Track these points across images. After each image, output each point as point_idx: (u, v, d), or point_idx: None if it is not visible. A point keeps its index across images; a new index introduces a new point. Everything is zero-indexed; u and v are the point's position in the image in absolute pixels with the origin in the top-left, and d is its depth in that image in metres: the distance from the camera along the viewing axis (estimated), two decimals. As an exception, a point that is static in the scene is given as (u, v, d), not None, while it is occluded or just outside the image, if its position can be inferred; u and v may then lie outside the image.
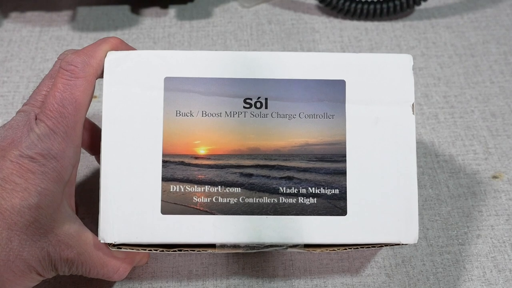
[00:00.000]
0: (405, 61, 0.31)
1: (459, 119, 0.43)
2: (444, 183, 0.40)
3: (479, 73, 0.47)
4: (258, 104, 0.30)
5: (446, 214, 0.38)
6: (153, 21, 0.51)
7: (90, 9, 0.52)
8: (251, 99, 0.30)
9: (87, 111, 0.30)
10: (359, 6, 0.50)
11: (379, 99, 0.30)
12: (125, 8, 0.52)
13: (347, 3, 0.49)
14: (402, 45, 0.49)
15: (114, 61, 0.30)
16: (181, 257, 0.36)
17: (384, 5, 0.50)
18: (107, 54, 0.30)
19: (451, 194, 0.39)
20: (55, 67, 0.31)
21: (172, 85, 0.30)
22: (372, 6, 0.50)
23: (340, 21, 0.51)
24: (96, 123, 0.35)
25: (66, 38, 0.49)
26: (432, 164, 0.41)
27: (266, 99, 0.30)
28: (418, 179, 0.40)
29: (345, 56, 0.31)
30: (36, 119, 0.29)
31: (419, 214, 0.38)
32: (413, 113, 0.30)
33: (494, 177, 0.40)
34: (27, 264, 0.28)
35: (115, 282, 0.35)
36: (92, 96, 0.30)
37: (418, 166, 0.40)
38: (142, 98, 0.30)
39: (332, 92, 0.30)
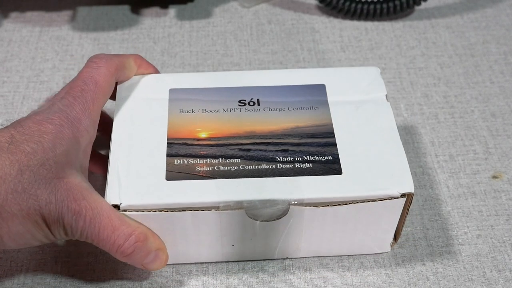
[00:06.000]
0: (374, 71, 0.37)
1: (459, 119, 0.43)
2: (444, 183, 0.39)
3: (479, 73, 0.47)
4: (252, 103, 0.35)
5: (446, 214, 0.38)
6: (153, 21, 0.51)
7: (90, 9, 0.52)
8: (245, 100, 0.35)
9: (107, 97, 0.33)
10: (359, 6, 0.50)
11: (357, 96, 0.36)
12: (125, 8, 0.52)
13: (347, 3, 0.49)
14: (402, 45, 0.49)
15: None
16: (181, 257, 0.36)
17: (384, 5, 0.50)
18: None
19: (451, 194, 0.39)
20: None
21: (176, 94, 0.36)
22: (372, 6, 0.50)
23: (340, 21, 0.51)
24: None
25: (66, 38, 0.49)
26: (432, 164, 0.41)
27: (258, 99, 0.35)
28: (418, 179, 0.40)
29: (323, 70, 0.37)
30: (61, 98, 0.32)
31: (419, 214, 0.38)
32: (388, 101, 0.35)
33: (494, 177, 0.40)
34: (34, 200, 0.28)
35: (114, 280, 0.35)
36: (112, 87, 0.34)
37: (418, 166, 0.40)
38: (150, 102, 0.35)
39: (315, 93, 0.36)
